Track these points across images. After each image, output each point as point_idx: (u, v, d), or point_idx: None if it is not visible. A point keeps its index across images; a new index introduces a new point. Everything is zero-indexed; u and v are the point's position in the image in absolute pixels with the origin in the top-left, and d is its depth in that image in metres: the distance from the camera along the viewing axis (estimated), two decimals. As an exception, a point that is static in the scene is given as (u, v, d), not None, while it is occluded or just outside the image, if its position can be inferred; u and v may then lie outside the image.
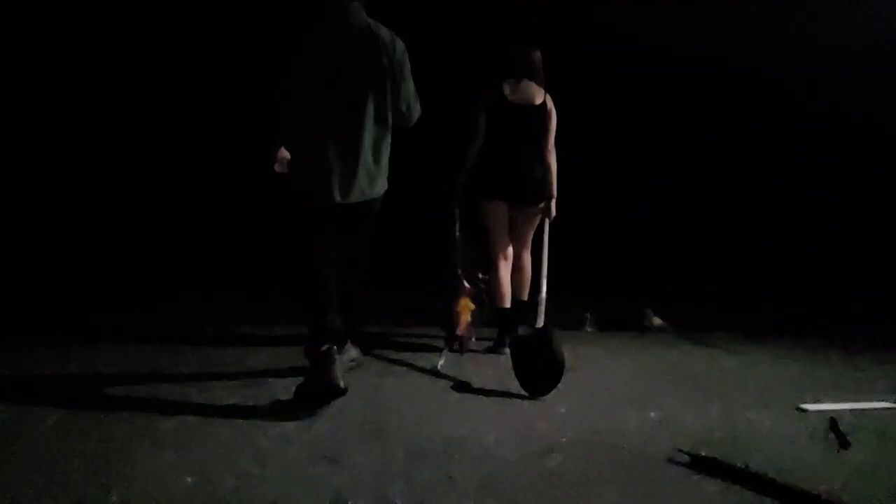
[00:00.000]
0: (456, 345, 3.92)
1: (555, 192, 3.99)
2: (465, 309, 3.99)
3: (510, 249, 4.04)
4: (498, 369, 3.55)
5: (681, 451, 2.53)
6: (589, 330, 4.80)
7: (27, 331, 3.82)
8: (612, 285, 5.76)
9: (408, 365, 3.66)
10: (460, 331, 3.93)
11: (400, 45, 3.11)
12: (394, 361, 3.71)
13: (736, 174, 6.44)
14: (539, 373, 3.24)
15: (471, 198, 3.99)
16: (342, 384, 2.84)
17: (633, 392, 3.37)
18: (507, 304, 3.98)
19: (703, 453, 2.52)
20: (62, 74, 5.94)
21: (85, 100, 5.98)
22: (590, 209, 5.74)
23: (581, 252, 5.57)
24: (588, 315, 4.87)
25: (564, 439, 2.67)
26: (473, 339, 4.03)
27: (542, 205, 3.99)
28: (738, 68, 6.09)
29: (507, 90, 3.89)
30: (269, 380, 3.19)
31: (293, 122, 3.10)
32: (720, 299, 5.64)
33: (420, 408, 2.97)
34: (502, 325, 3.99)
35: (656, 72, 6.09)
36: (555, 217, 4.02)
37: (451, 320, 3.94)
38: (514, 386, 3.29)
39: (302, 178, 3.10)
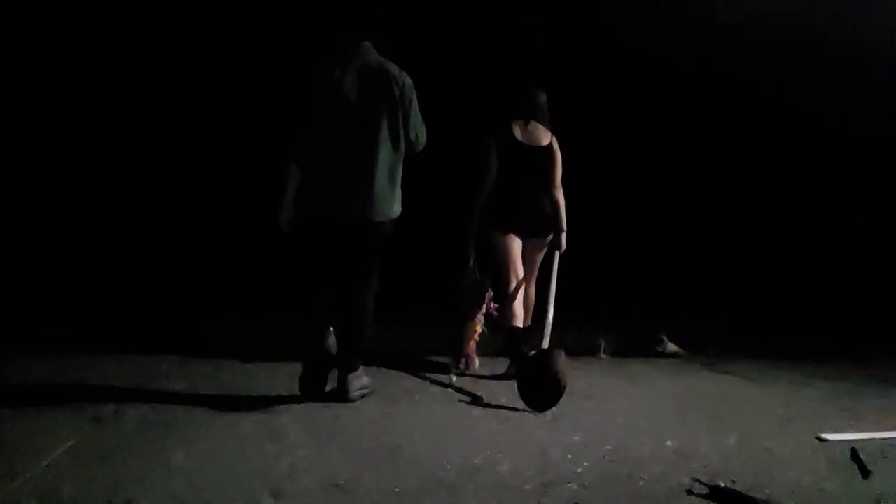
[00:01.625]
0: (462, 364, 4.04)
1: (564, 226, 4.13)
2: (474, 330, 4.07)
3: (522, 276, 4.09)
4: (510, 395, 3.52)
5: (699, 481, 2.49)
6: (603, 356, 4.76)
7: (39, 349, 3.84)
8: (625, 311, 5.71)
9: (420, 390, 3.65)
10: (467, 350, 4.05)
11: (407, 79, 3.31)
12: (406, 387, 3.69)
13: (738, 182, 6.37)
14: (540, 390, 3.37)
15: (483, 230, 4.08)
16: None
17: (648, 420, 3.33)
18: (520, 324, 4.03)
19: (722, 484, 2.48)
20: (62, 79, 5.79)
21: (88, 106, 5.89)
22: (591, 221, 5.67)
23: (591, 275, 5.52)
24: (602, 341, 4.83)
25: (580, 469, 2.64)
26: (477, 362, 4.09)
27: (550, 238, 4.14)
28: (737, 70, 6.06)
29: (516, 132, 4.05)
30: (282, 406, 3.18)
31: (311, 151, 3.28)
32: (734, 321, 5.56)
33: (433, 435, 2.95)
34: (514, 350, 4.00)
35: (655, 74, 6.05)
36: (565, 249, 4.14)
37: (459, 340, 4.05)
38: (528, 412, 3.27)
39: (319, 199, 3.25)
